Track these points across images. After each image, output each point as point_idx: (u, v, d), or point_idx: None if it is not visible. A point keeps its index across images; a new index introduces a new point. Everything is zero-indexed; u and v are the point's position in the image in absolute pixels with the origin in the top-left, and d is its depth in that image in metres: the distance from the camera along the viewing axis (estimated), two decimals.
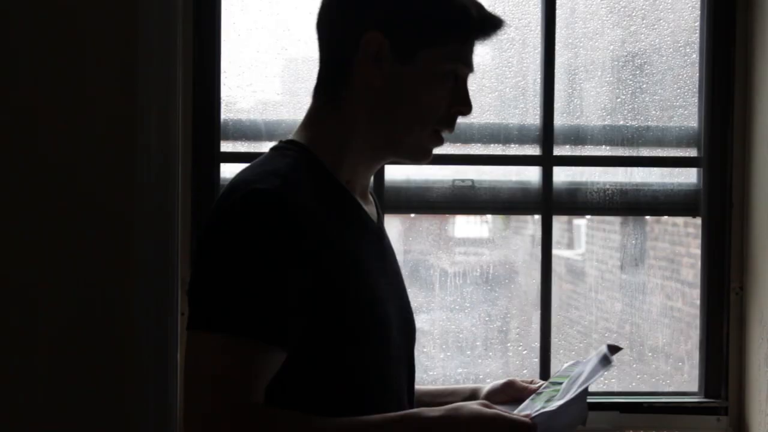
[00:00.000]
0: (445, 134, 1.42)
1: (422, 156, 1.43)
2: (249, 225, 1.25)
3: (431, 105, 1.38)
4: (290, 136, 1.42)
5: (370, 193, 1.49)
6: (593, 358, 1.51)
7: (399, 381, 1.42)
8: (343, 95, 1.38)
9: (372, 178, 1.50)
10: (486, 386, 1.66)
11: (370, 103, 1.37)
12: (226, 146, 2.21)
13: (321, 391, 1.30)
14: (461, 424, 1.26)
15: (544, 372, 2.24)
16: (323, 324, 1.28)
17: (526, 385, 1.62)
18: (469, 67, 1.43)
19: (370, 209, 1.46)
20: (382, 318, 1.36)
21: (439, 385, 1.68)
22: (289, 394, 1.28)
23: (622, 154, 2.30)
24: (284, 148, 1.39)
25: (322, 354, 1.29)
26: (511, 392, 1.61)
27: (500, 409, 1.30)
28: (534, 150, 2.27)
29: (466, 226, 2.45)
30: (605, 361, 1.47)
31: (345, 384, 1.31)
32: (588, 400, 1.40)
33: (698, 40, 2.31)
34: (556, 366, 2.29)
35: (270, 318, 1.22)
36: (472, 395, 1.64)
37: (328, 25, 1.41)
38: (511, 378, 1.65)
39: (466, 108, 1.41)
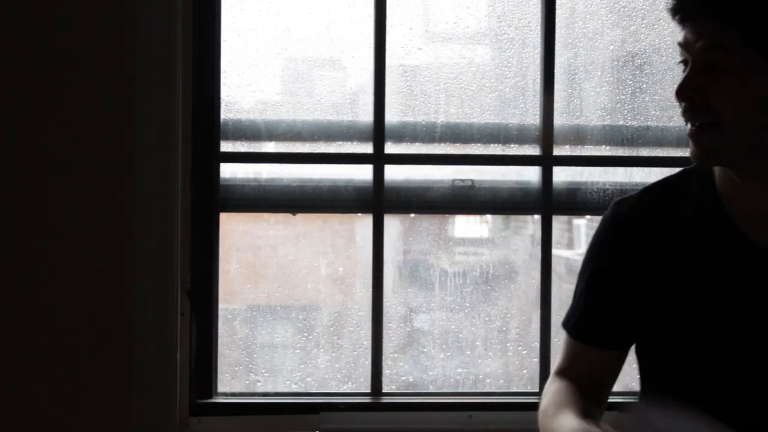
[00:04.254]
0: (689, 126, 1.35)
1: (691, 154, 1.34)
2: (596, 231, 1.46)
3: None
4: None
5: None
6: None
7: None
8: None
9: None
10: None
11: None
12: (225, 146, 2.21)
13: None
14: None
15: (544, 371, 2.23)
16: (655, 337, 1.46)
17: None
18: (682, 48, 1.37)
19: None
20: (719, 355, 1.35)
21: None
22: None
23: (622, 154, 2.30)
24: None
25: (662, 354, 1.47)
26: None
27: None
28: (534, 150, 2.27)
29: (466, 226, 2.45)
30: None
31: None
32: None
33: None
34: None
35: (580, 318, 1.49)
36: None
37: None
38: None
39: (676, 95, 1.36)
